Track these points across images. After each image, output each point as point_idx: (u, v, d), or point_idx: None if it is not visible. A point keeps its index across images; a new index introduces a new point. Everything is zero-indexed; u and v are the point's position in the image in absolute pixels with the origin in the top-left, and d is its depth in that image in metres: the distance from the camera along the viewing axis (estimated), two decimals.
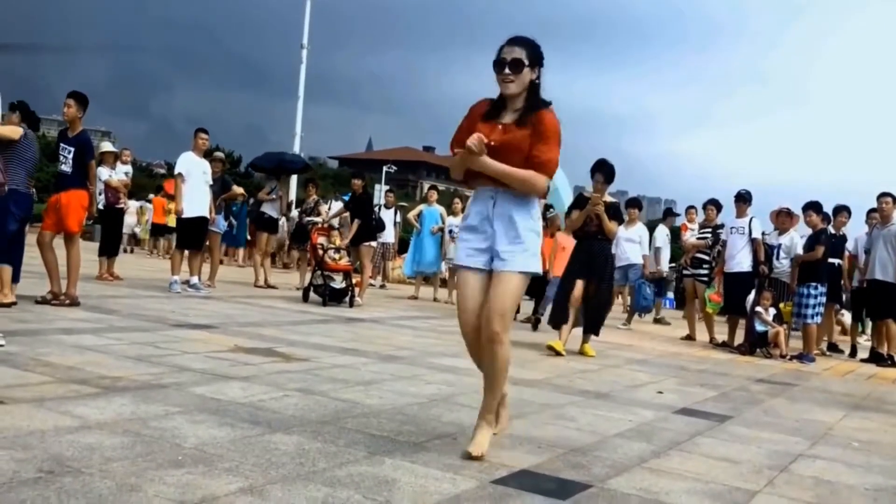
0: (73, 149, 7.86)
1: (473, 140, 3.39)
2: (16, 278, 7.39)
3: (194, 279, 10.77)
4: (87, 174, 8.07)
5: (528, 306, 12.00)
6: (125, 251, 21.12)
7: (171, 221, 21.73)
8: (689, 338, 11.28)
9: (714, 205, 11.77)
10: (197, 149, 10.68)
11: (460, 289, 3.64)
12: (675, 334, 11.93)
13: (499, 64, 3.50)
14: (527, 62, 3.50)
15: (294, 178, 25.73)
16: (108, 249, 11.58)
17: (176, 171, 10.61)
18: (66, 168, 7.87)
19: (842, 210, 11.10)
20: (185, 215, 10.47)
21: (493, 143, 3.45)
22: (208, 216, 10.83)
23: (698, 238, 11.80)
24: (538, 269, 3.61)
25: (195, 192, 10.50)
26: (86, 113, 8.10)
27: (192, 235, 10.65)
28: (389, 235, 15.39)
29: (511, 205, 3.51)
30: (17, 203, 7.12)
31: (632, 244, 12.10)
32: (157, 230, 22.46)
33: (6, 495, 2.48)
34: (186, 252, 10.74)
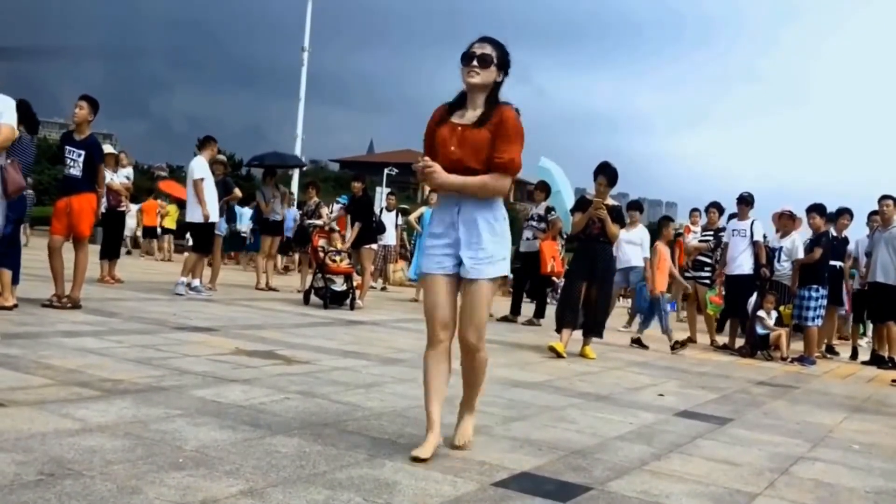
0: (82, 152, 7.83)
1: (418, 167, 3.42)
2: (15, 280, 7.39)
3: (196, 282, 10.80)
4: (96, 177, 8.07)
5: (528, 308, 12.03)
6: (128, 253, 21.21)
7: (169, 223, 21.92)
8: (690, 340, 11.27)
9: (716, 207, 11.76)
10: (211, 156, 11.01)
11: (429, 295, 3.58)
12: (675, 336, 11.91)
13: (467, 56, 3.49)
14: (495, 61, 3.50)
15: (296, 180, 25.75)
16: (110, 252, 11.60)
17: (199, 176, 10.66)
18: (76, 171, 7.83)
19: (843, 213, 11.11)
20: (203, 220, 10.69)
21: (453, 150, 3.45)
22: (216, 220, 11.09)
23: (700, 241, 11.79)
24: (505, 272, 3.61)
25: (212, 198, 10.74)
26: (95, 117, 8.10)
27: (208, 239, 10.95)
28: (390, 238, 15.39)
29: (475, 211, 3.49)
30: (12, 205, 7.10)
31: (633, 246, 12.08)
32: (149, 232, 22.68)
33: (7, 498, 2.49)
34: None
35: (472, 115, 3.52)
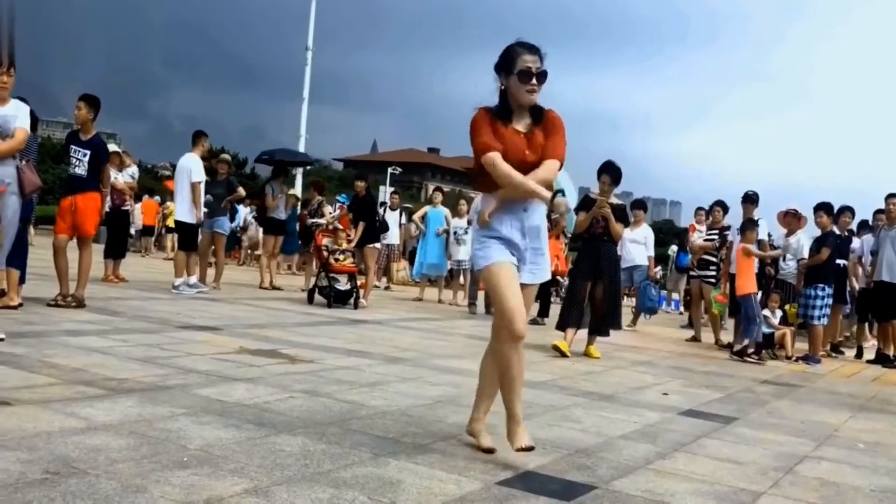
0: (88, 152, 7.86)
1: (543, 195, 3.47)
2: (21, 280, 7.41)
3: (193, 279, 10.85)
4: (101, 177, 8.10)
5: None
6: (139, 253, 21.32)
7: (173, 222, 22.05)
8: (695, 339, 11.26)
9: (721, 206, 11.73)
10: (203, 152, 11.04)
11: (509, 285, 3.44)
12: (680, 336, 11.92)
13: (526, 74, 3.44)
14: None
15: (299, 179, 25.77)
16: (114, 251, 11.62)
17: (196, 179, 10.70)
18: (81, 171, 7.86)
19: (845, 211, 11.05)
20: (197, 221, 10.80)
21: (527, 154, 3.47)
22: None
23: (706, 240, 11.76)
24: (548, 278, 3.68)
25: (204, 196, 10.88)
26: (98, 115, 8.11)
27: (195, 238, 11.02)
28: (394, 237, 15.39)
29: (540, 216, 3.59)
30: (22, 205, 7.13)
31: (637, 245, 12.08)
32: (146, 231, 22.89)
33: (13, 496, 2.49)
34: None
35: (521, 122, 3.54)
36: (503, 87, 3.53)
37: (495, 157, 3.42)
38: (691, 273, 12.12)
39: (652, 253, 12.68)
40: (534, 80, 3.45)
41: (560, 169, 3.60)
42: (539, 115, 3.54)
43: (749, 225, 9.60)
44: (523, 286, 3.53)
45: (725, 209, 11.70)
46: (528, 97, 3.48)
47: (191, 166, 10.73)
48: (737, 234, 10.44)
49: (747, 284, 9.27)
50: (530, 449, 3.45)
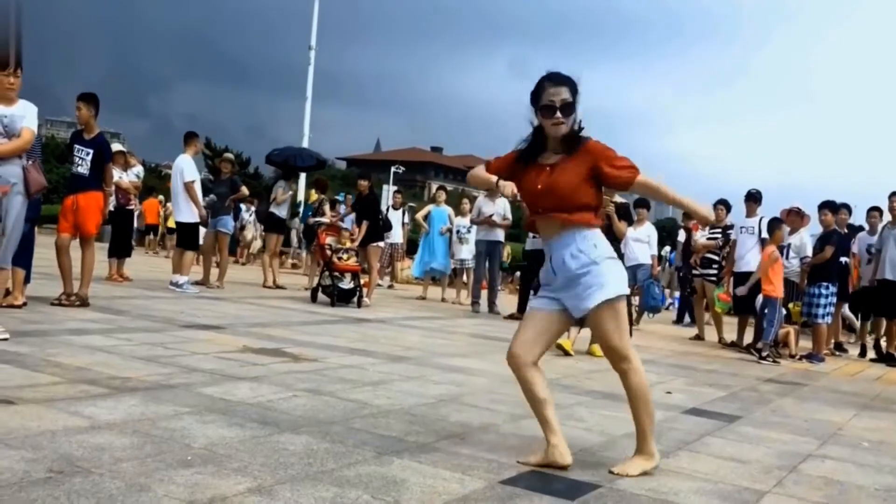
0: (91, 151, 7.90)
1: (507, 192, 3.50)
2: (26, 279, 7.43)
3: (184, 278, 10.84)
4: (103, 176, 8.13)
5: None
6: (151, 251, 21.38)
7: (171, 223, 22.13)
8: (698, 338, 11.26)
9: (723, 205, 11.72)
10: (196, 153, 11.11)
11: (519, 328, 3.61)
12: (683, 334, 11.91)
13: (549, 108, 3.42)
14: (574, 101, 3.46)
15: (303, 179, 25.77)
16: (118, 251, 11.64)
17: (189, 179, 10.75)
18: (83, 170, 7.90)
19: (841, 208, 11.01)
20: (193, 220, 10.81)
21: (539, 188, 3.46)
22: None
23: (708, 238, 11.75)
24: (622, 291, 3.49)
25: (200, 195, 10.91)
26: (98, 112, 8.13)
27: (197, 237, 11.05)
28: (397, 236, 15.40)
29: (563, 249, 3.46)
30: (28, 204, 7.14)
31: (640, 244, 12.07)
32: (150, 230, 23.02)
33: (17, 495, 2.50)
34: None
35: (554, 155, 3.52)
36: (537, 124, 3.53)
37: (479, 166, 3.70)
38: (694, 272, 12.11)
39: (655, 251, 12.68)
40: (558, 114, 3.42)
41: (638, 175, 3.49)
42: (572, 146, 3.47)
43: (776, 224, 9.53)
44: (589, 318, 3.48)
45: (728, 208, 11.71)
46: (555, 130, 3.46)
47: (182, 166, 10.80)
48: (740, 231, 10.43)
49: (775, 288, 9.17)
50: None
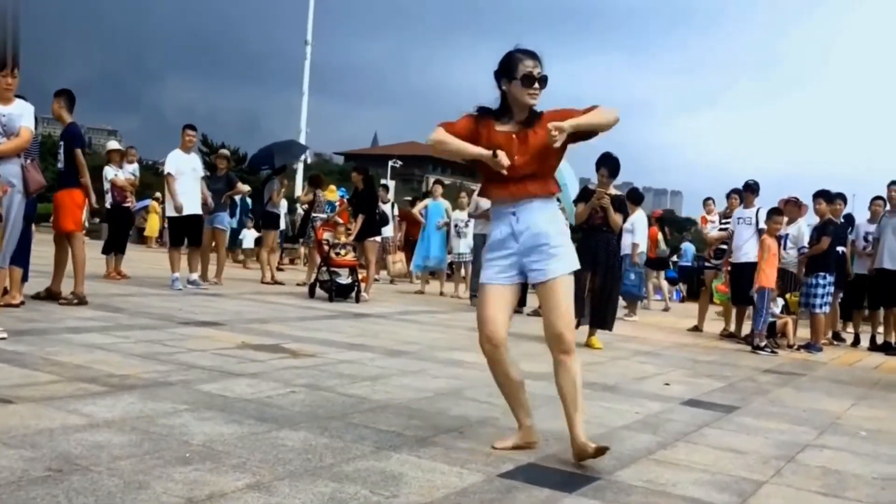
0: (62, 143, 8.03)
1: (504, 162, 3.40)
2: (24, 277, 7.42)
3: (194, 276, 10.82)
4: (76, 167, 7.97)
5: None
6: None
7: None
8: (696, 329, 11.25)
9: (737, 194, 11.62)
10: (184, 146, 10.86)
11: (483, 304, 3.57)
12: (684, 326, 11.92)
13: (528, 78, 3.48)
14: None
15: (300, 174, 25.77)
16: (115, 248, 11.61)
17: (165, 171, 10.74)
18: (61, 165, 8.01)
19: (836, 197, 10.98)
20: (174, 214, 10.70)
21: (516, 156, 3.47)
22: (200, 212, 10.95)
23: (720, 229, 11.68)
24: (576, 265, 3.58)
25: (186, 190, 10.65)
26: (72, 105, 8.14)
27: (185, 233, 10.82)
28: (388, 230, 15.38)
29: (534, 215, 3.52)
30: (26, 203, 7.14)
31: (626, 234, 12.01)
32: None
33: (15, 493, 2.50)
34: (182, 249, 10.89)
35: (515, 125, 3.55)
36: (504, 92, 3.56)
37: (438, 129, 3.54)
38: (706, 264, 12.06)
39: (637, 240, 12.61)
40: (536, 85, 3.50)
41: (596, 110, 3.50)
42: (534, 117, 3.54)
43: (775, 213, 9.48)
44: (541, 285, 3.51)
45: (741, 197, 11.60)
46: (530, 100, 3.52)
47: (167, 160, 10.80)
48: (737, 222, 10.41)
49: (768, 278, 9.15)
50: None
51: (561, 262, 3.51)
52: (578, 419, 3.47)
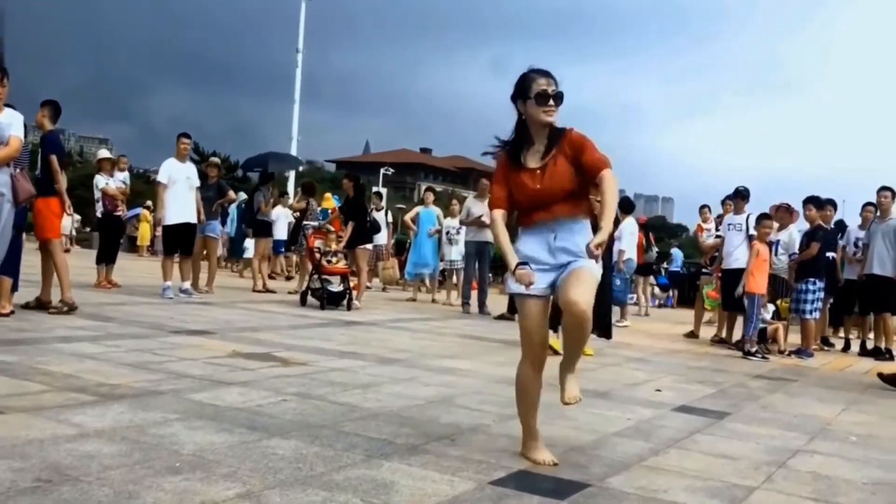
0: (39, 151, 8.00)
1: (525, 280, 3.43)
2: (14, 287, 7.39)
3: (186, 284, 10.78)
4: (51, 174, 7.89)
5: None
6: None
7: None
8: (692, 335, 11.26)
9: (731, 201, 11.64)
10: (179, 154, 10.82)
11: (527, 319, 3.62)
12: (675, 332, 11.94)
13: (543, 96, 3.49)
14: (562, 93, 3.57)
15: (292, 182, 25.75)
16: (106, 257, 11.57)
17: (158, 180, 10.72)
18: (38, 173, 7.96)
19: (826, 203, 11.03)
20: (169, 222, 10.62)
21: (538, 188, 3.51)
22: (195, 221, 10.90)
23: (717, 237, 11.69)
24: (600, 272, 3.60)
25: (179, 198, 10.62)
26: (56, 116, 8.17)
27: (178, 242, 10.79)
28: (381, 237, 15.37)
29: (574, 237, 3.54)
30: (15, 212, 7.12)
31: (615, 241, 12.01)
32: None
33: None
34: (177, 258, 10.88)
35: (538, 151, 3.57)
36: (522, 116, 3.58)
37: (496, 217, 3.64)
38: (703, 270, 12.09)
39: (624, 246, 12.61)
40: (551, 102, 3.51)
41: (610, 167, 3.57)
42: (556, 138, 3.55)
43: (764, 218, 9.50)
44: (570, 271, 3.50)
45: (747, 197, 11.57)
46: (546, 118, 3.53)
47: (161, 168, 10.77)
48: (728, 228, 10.44)
49: (758, 284, 9.17)
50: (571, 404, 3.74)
51: (589, 262, 3.50)
52: (571, 365, 3.79)
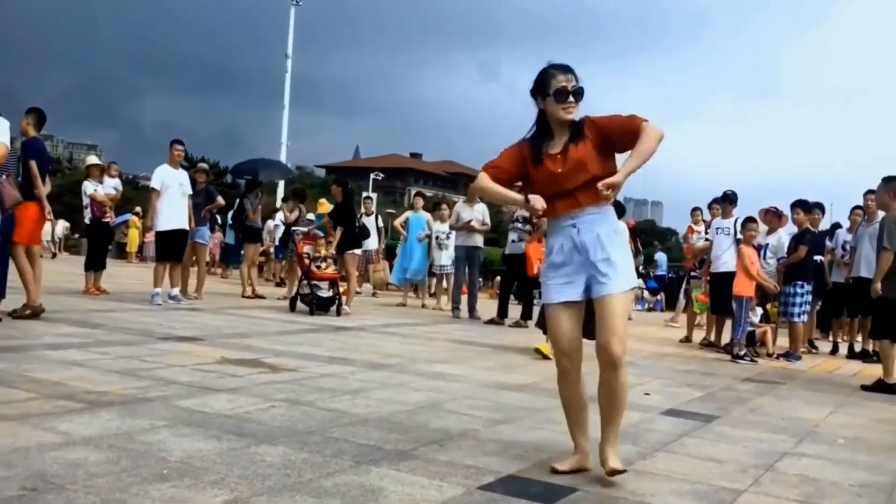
0: (21, 157, 7.98)
1: (537, 206, 3.41)
2: (1, 294, 7.35)
3: (175, 291, 10.75)
4: (31, 180, 7.86)
5: (506, 309, 12.04)
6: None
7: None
8: (687, 340, 11.27)
9: (718, 204, 11.67)
10: (172, 161, 10.81)
11: (554, 321, 3.59)
12: (665, 336, 11.96)
13: (562, 93, 3.46)
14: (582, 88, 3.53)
15: (281, 188, 25.71)
16: (95, 264, 11.53)
17: (151, 186, 10.71)
18: (20, 178, 7.91)
19: (814, 207, 11.08)
20: (161, 228, 10.60)
21: (560, 171, 3.46)
22: (187, 228, 10.87)
23: (707, 240, 11.72)
24: (635, 283, 3.60)
25: (172, 205, 10.61)
26: (40, 124, 8.16)
27: (171, 248, 10.75)
28: (372, 242, 15.36)
29: (595, 226, 3.48)
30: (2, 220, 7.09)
31: None
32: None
33: None
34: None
35: (561, 142, 3.53)
36: (542, 110, 3.56)
37: (480, 176, 3.58)
38: (692, 274, 12.11)
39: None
40: (570, 98, 3.48)
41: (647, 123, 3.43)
42: (578, 132, 3.51)
43: (750, 222, 9.54)
44: (599, 298, 3.47)
45: (733, 202, 11.61)
46: (566, 115, 3.49)
47: (153, 175, 10.78)
48: (716, 232, 10.48)
49: (745, 287, 9.22)
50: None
51: (621, 279, 3.46)
52: (610, 434, 3.54)
